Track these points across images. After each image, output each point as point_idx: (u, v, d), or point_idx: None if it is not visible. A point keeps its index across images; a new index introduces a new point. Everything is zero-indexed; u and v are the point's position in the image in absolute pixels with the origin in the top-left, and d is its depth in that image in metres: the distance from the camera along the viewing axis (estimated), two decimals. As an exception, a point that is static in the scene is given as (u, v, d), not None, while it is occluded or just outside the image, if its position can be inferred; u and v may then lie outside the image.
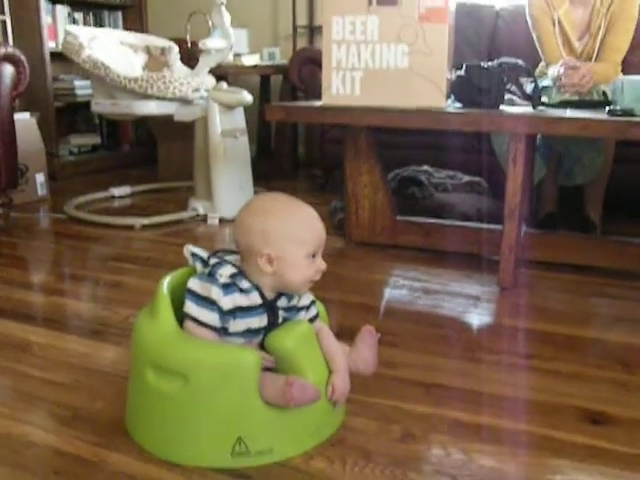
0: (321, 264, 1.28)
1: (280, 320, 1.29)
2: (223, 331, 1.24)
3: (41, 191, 3.52)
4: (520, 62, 2.29)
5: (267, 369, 1.25)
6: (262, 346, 1.28)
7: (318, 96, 2.40)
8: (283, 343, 1.24)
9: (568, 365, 1.63)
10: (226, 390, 1.19)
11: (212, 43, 3.11)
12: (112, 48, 3.26)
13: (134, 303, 1.98)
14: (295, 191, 1.30)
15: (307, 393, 1.18)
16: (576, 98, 2.51)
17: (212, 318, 1.23)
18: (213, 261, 1.29)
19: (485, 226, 2.50)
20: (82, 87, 4.16)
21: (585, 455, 1.26)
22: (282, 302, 1.30)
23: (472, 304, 2.05)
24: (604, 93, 2.54)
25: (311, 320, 1.34)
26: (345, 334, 1.38)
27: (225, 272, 1.25)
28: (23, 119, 3.40)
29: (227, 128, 3.03)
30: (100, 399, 1.45)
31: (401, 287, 2.21)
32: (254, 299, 1.26)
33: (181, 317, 1.26)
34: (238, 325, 1.25)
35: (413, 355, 1.68)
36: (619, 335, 1.82)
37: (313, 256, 1.27)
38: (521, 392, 1.50)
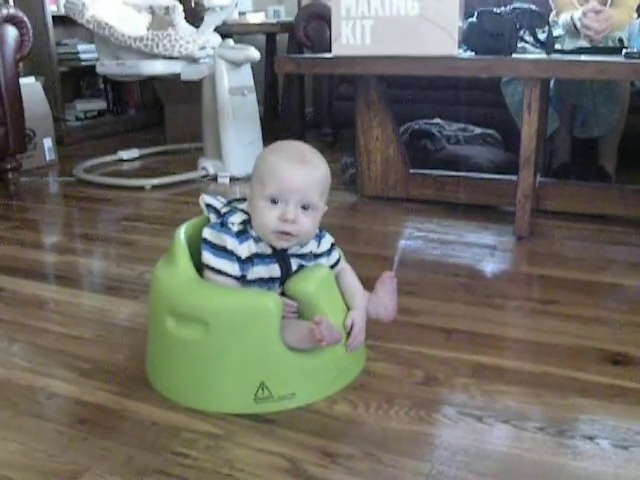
0: (286, 212, 1.17)
1: (295, 268, 1.27)
2: (242, 279, 1.23)
3: (49, 156, 3.49)
4: (533, 7, 2.24)
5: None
6: (282, 294, 1.26)
7: (326, 52, 2.36)
8: (304, 288, 1.23)
9: (587, 309, 1.62)
10: (247, 335, 1.18)
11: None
12: (115, 8, 3.21)
13: (148, 260, 1.96)
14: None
15: (334, 333, 1.17)
16: (590, 45, 2.46)
17: (232, 268, 1.21)
18: (225, 210, 1.27)
19: (499, 177, 2.47)
20: (86, 51, 4.10)
21: (609, 395, 1.25)
22: (294, 249, 1.26)
23: (489, 253, 2.03)
24: (620, 40, 2.48)
25: (334, 265, 1.32)
26: (362, 283, 1.36)
27: (236, 220, 1.24)
28: (28, 83, 3.36)
29: (235, 85, 2.99)
30: (120, 351, 1.44)
31: (416, 238, 2.19)
32: (263, 247, 1.24)
33: (199, 265, 1.25)
34: (256, 272, 1.24)
35: (433, 303, 1.67)
36: (638, 280, 1.81)
37: (275, 202, 1.19)
38: (542, 336, 1.48)
